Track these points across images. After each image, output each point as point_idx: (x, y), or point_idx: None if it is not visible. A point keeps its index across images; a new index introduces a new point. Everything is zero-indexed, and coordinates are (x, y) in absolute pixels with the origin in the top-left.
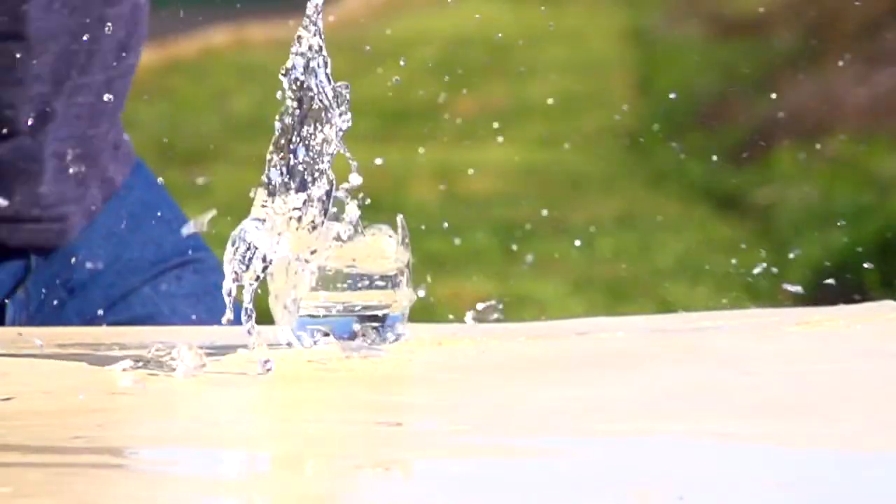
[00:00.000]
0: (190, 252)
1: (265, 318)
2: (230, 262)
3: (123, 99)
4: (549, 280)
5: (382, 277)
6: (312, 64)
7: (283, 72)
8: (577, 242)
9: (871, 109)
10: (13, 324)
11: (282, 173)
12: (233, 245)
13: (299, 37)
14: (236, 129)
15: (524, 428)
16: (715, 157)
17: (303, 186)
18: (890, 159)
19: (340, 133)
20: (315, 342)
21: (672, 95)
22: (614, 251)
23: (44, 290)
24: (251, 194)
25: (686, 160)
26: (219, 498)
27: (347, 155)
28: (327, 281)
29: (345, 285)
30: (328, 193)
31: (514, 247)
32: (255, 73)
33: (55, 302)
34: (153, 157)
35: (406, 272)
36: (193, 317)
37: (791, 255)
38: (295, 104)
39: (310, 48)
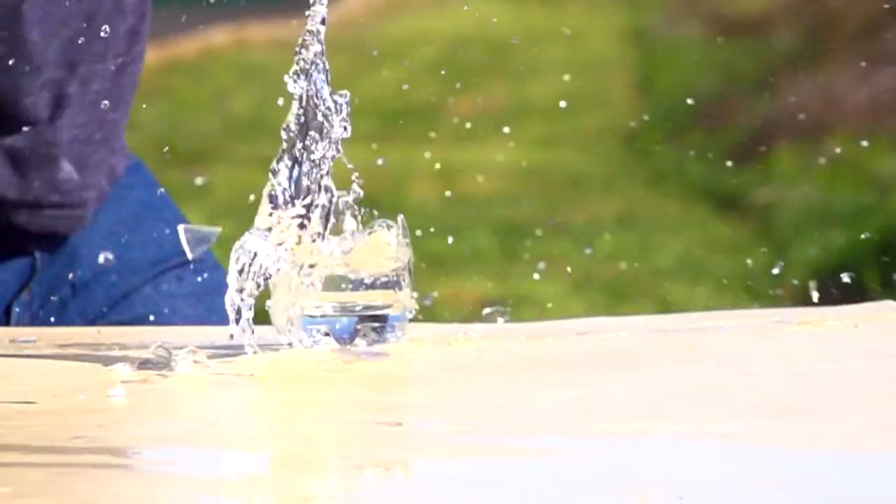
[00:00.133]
0: None
1: (265, 318)
2: (233, 274)
3: (135, 85)
4: (549, 280)
5: (383, 277)
6: (314, 76)
7: (291, 79)
8: (578, 242)
9: (871, 109)
10: (17, 324)
11: (286, 186)
12: (236, 257)
13: (302, 47)
14: (236, 129)
15: (524, 428)
16: (715, 157)
17: (305, 198)
18: (890, 159)
19: (339, 142)
20: (315, 342)
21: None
22: (614, 251)
23: (47, 291)
24: (252, 199)
25: (686, 160)
26: (219, 498)
27: (350, 166)
28: (328, 281)
29: (345, 285)
30: (329, 205)
31: (514, 247)
32: (255, 73)
33: (58, 302)
34: (153, 157)
35: (407, 272)
36: (194, 316)
37: (791, 256)
38: (300, 116)
39: (312, 61)
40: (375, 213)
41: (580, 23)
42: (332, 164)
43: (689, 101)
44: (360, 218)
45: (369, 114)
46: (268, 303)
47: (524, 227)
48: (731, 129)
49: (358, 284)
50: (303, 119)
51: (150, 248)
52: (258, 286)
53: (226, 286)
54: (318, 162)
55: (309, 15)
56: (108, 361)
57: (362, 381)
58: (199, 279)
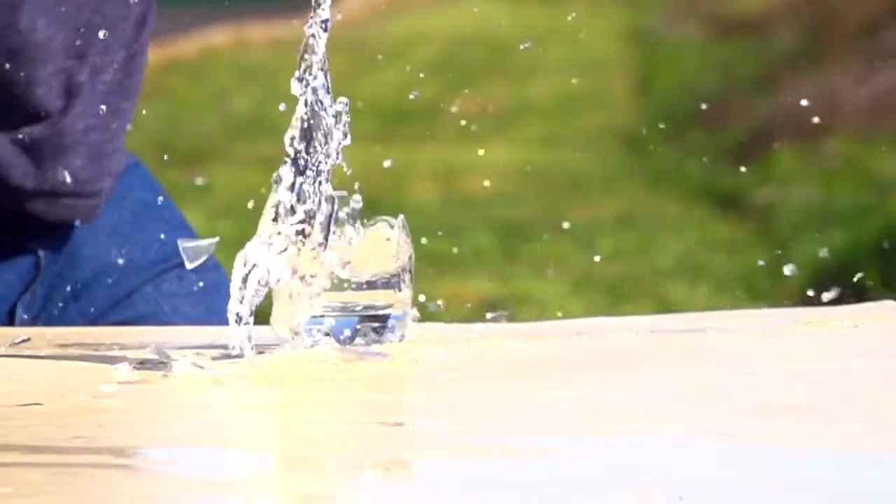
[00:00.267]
0: None
1: (265, 319)
2: (236, 283)
3: (143, 74)
4: (549, 280)
5: (384, 277)
6: (314, 83)
7: (299, 87)
8: (578, 242)
9: (871, 109)
10: (20, 325)
11: (289, 195)
12: (239, 266)
13: (304, 54)
14: (236, 129)
15: (524, 428)
16: (715, 157)
17: (307, 206)
18: (890, 159)
19: (339, 150)
20: (315, 342)
21: (672, 96)
22: (614, 251)
23: (49, 291)
24: (252, 201)
25: (686, 160)
26: (219, 498)
27: (348, 172)
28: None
29: (346, 285)
30: (330, 214)
31: (514, 247)
32: (255, 73)
33: (60, 302)
34: (153, 157)
35: (408, 273)
36: (194, 316)
37: (791, 256)
38: (303, 125)
39: (313, 70)
40: (375, 219)
41: (580, 23)
42: (331, 171)
43: (689, 102)
44: (359, 227)
45: (369, 114)
46: (271, 320)
47: (524, 227)
48: (731, 129)
49: (358, 285)
50: (306, 125)
51: (151, 248)
52: (260, 296)
53: (226, 285)
54: (319, 171)
55: (312, 17)
56: (108, 361)
57: (362, 381)
58: (200, 279)
